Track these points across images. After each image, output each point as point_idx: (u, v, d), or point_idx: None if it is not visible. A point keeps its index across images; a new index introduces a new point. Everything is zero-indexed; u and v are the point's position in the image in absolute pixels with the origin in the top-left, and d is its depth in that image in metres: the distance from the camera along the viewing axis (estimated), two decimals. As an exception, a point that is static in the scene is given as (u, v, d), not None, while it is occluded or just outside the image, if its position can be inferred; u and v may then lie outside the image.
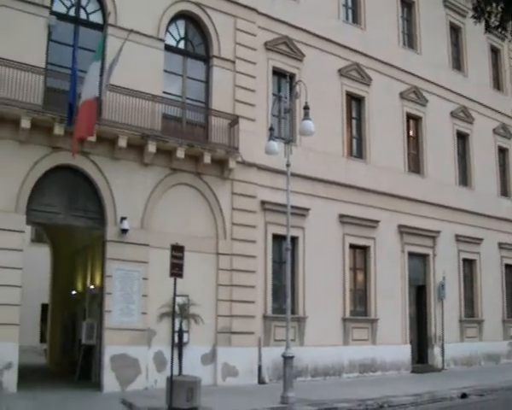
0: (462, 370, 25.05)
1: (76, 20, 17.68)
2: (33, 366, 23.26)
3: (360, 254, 23.25)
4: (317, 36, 22.71)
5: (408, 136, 25.83)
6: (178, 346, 14.99)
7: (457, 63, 28.95)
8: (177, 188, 18.57)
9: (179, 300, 14.50)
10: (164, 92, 18.55)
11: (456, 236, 26.63)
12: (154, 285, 17.24)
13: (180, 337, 15.35)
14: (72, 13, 17.67)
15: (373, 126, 24.08)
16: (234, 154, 19.01)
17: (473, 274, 27.75)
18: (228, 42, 20.17)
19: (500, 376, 22.29)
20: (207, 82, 19.91)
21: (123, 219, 17.23)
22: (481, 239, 27.78)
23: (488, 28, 12.73)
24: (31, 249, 27.09)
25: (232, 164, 19.06)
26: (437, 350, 25.05)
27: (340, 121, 23.10)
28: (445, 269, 25.58)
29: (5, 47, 15.66)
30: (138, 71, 17.75)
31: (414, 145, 26.24)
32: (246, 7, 20.70)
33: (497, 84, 31.17)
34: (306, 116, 16.20)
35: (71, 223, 17.44)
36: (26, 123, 15.52)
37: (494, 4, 12.13)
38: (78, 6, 17.81)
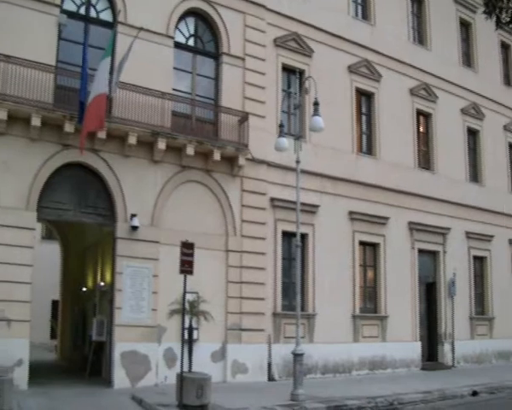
0: (472, 367, 24.96)
1: (86, 19, 17.74)
2: (44, 363, 23.37)
3: (370, 250, 23.20)
4: (327, 32, 22.66)
5: (418, 132, 25.73)
6: (188, 343, 15.03)
7: (467, 59, 28.80)
8: (186, 185, 18.60)
9: (189, 297, 14.55)
10: (174, 89, 18.57)
11: (467, 232, 26.51)
12: (163, 282, 17.30)
13: (190, 334, 15.39)
14: (82, 11, 17.73)
15: (383, 123, 24.00)
16: (243, 151, 19.00)
17: (483, 271, 27.64)
18: (237, 39, 20.16)
19: (511, 374, 22.17)
20: (217, 79, 19.91)
21: (133, 216, 17.29)
22: (492, 236, 27.65)
23: (499, 24, 12.67)
24: (41, 246, 27.32)
25: (242, 161, 19.06)
26: (447, 348, 24.96)
27: (349, 117, 23.04)
28: (455, 266, 25.50)
29: (16, 45, 15.76)
30: (148, 68, 17.78)
31: (424, 142, 26.13)
32: (255, 3, 20.69)
33: (508, 80, 30.99)
34: (316, 112, 16.13)
35: (81, 220, 17.52)
36: (36, 121, 15.59)
37: (505, 0, 12.07)
38: (88, 4, 17.84)
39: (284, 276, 20.26)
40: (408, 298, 23.71)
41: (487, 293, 27.46)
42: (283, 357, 19.07)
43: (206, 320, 15.22)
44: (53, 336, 31.97)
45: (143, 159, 17.81)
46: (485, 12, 12.67)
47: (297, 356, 15.67)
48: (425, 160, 25.87)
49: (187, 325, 14.91)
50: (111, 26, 17.74)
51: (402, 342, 22.96)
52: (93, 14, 17.90)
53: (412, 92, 25.43)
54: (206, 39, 20.07)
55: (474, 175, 27.99)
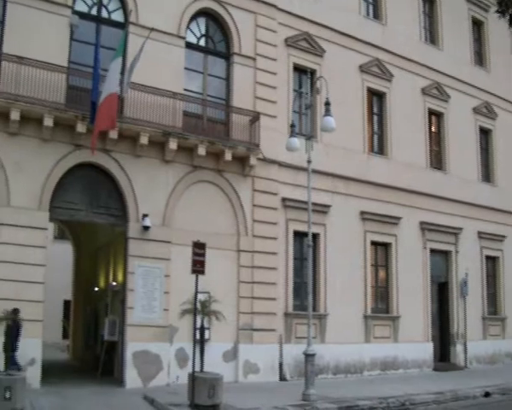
0: (484, 368, 24.80)
1: (98, 19, 17.81)
2: (56, 362, 23.46)
3: (381, 250, 23.14)
4: (338, 32, 22.62)
5: (430, 132, 25.63)
6: (200, 343, 15.02)
7: (480, 58, 28.66)
8: (198, 185, 18.62)
9: (201, 296, 14.54)
10: (185, 89, 18.62)
11: (479, 232, 26.37)
12: (175, 282, 17.33)
13: (202, 334, 15.38)
14: (93, 12, 17.82)
15: (394, 122, 23.93)
16: (255, 151, 19.00)
17: (495, 271, 27.50)
18: (248, 39, 20.17)
19: (524, 374, 22.07)
20: (228, 79, 19.94)
21: (145, 216, 17.34)
22: (504, 236, 27.49)
23: (512, 23, 12.61)
24: (53, 246, 27.42)
25: (253, 161, 19.06)
26: (459, 348, 24.83)
27: (361, 117, 22.99)
28: (467, 266, 25.36)
29: (28, 46, 15.84)
30: (159, 68, 17.83)
31: (436, 141, 26.02)
32: (266, 3, 20.69)
33: (521, 79, 30.79)
34: (327, 112, 16.11)
35: (93, 220, 17.59)
36: (49, 121, 15.68)
37: (519, -1, 12.03)
38: (100, 5, 17.92)
39: (296, 276, 20.25)
40: (420, 298, 23.61)
41: (500, 293, 27.31)
42: (295, 357, 19.06)
43: (217, 320, 15.20)
44: (65, 335, 32.11)
45: (155, 159, 17.86)
46: (497, 11, 12.63)
47: (308, 356, 15.65)
48: (437, 159, 25.76)
49: (199, 324, 14.90)
50: (122, 26, 17.80)
51: (414, 342, 22.87)
52: (105, 14, 17.99)
53: (424, 92, 25.33)
54: (217, 39, 20.10)
55: (487, 175, 27.84)
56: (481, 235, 26.46)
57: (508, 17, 12.35)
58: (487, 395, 17.80)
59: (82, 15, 17.36)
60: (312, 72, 20.92)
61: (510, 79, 29.84)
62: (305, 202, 17.08)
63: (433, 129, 25.99)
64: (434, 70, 25.70)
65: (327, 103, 16.14)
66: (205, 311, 14.96)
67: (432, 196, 24.52)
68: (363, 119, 23.08)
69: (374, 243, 22.73)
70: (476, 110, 27.49)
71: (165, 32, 18.32)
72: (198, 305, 14.43)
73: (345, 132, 21.38)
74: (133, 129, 16.97)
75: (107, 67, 15.62)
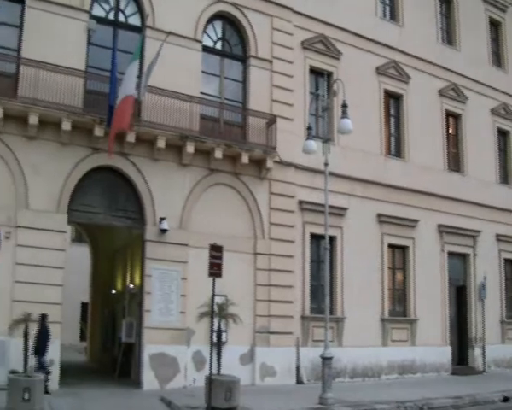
0: (503, 372, 24.53)
1: (115, 23, 17.94)
2: (74, 364, 23.58)
3: (399, 253, 23.02)
4: (354, 33, 22.56)
5: (447, 133, 25.45)
6: (217, 345, 15.04)
7: (497, 59, 28.40)
8: (215, 188, 18.67)
9: (218, 299, 14.56)
10: (201, 93, 18.66)
11: (497, 235, 26.12)
12: (192, 285, 17.38)
13: (219, 337, 15.40)
14: (111, 16, 17.96)
15: (411, 124, 23.81)
16: (271, 153, 19.00)
17: (514, 274, 27.26)
18: (265, 41, 20.19)
19: (543, 378, 21.85)
20: (245, 82, 19.96)
21: (162, 219, 17.40)
22: (523, 239, 27.24)
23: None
24: (71, 249, 27.58)
25: (270, 164, 19.06)
26: (478, 352, 24.62)
27: (377, 119, 22.91)
28: (485, 269, 25.13)
29: (46, 51, 15.99)
30: (176, 72, 17.89)
31: (453, 143, 25.84)
32: (282, 6, 20.69)
33: (539, 80, 30.49)
34: (344, 115, 16.05)
35: (111, 223, 17.70)
36: (67, 125, 15.82)
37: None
38: (117, 9, 18.05)
39: (312, 279, 20.20)
40: (438, 301, 23.45)
41: (519, 296, 27.07)
42: (312, 360, 19.01)
43: (234, 323, 15.24)
44: (82, 337, 32.31)
45: (172, 162, 17.93)
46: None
47: (326, 360, 15.57)
48: (454, 161, 25.58)
49: (216, 327, 14.94)
50: (139, 30, 17.91)
51: (432, 346, 22.70)
52: (122, 19, 18.12)
53: (441, 93, 25.18)
54: (233, 42, 20.14)
55: (505, 177, 27.56)
56: (500, 237, 26.22)
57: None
58: (506, 399, 17.61)
59: (99, 20, 17.53)
60: (329, 74, 20.88)
61: (529, 80, 29.61)
62: (322, 205, 17.03)
63: (450, 131, 25.80)
64: (451, 71, 25.53)
65: (344, 105, 16.07)
66: (222, 314, 14.99)
67: (449, 198, 24.34)
68: (380, 121, 23.00)
69: (391, 246, 22.59)
70: (494, 111, 27.25)
71: (181, 36, 18.40)
72: (215, 308, 14.45)
73: (362, 135, 21.27)
74: (150, 132, 17.06)
75: (124, 71, 15.74)
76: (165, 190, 17.74)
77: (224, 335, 16.38)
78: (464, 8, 26.75)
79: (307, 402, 15.33)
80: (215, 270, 14.06)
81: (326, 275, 16.75)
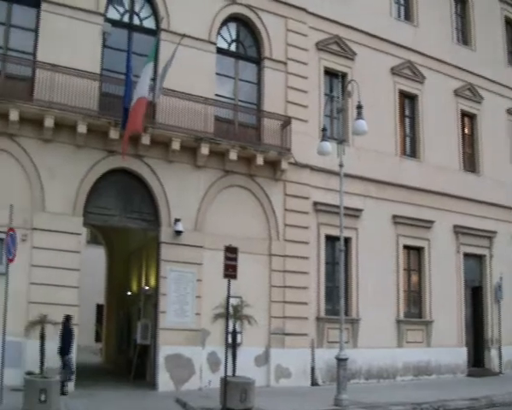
0: (520, 374, 24.42)
1: (130, 26, 18.01)
2: (89, 366, 23.71)
3: (414, 254, 22.92)
4: (369, 34, 22.49)
5: (463, 134, 25.32)
6: (232, 347, 15.07)
7: (513, 59, 28.23)
8: (229, 189, 18.69)
9: (233, 301, 14.59)
10: (216, 95, 18.69)
11: (514, 236, 25.97)
12: (207, 286, 17.41)
13: (234, 338, 15.44)
14: (125, 19, 18.03)
15: (426, 125, 23.71)
16: (286, 155, 18.99)
17: (531, 275, 26.99)
18: (279, 43, 20.18)
19: (561, 380, 21.65)
20: (259, 84, 19.97)
21: (177, 220, 17.44)
22: (540, 239, 26.99)
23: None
24: (86, 251, 27.67)
25: (284, 165, 19.05)
26: (494, 353, 24.44)
27: (392, 120, 22.83)
28: (501, 270, 24.94)
29: (62, 54, 16.09)
30: (191, 74, 17.93)
31: (469, 143, 25.69)
32: (296, 7, 20.67)
33: (555, 79, 30.23)
34: (359, 115, 16.01)
35: (126, 225, 17.77)
36: (82, 128, 15.92)
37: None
38: (132, 12, 18.13)
39: (327, 280, 20.16)
40: (453, 303, 23.32)
41: (535, 297, 26.81)
42: (327, 362, 18.98)
43: (249, 324, 15.29)
44: (97, 339, 32.44)
45: (187, 164, 17.97)
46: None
47: (341, 361, 15.52)
48: (470, 162, 25.43)
49: (231, 329, 14.98)
50: (154, 33, 17.96)
51: (447, 347, 22.58)
52: (136, 21, 18.18)
53: (456, 93, 25.04)
54: (247, 44, 20.15)
55: (522, 177, 27.35)
56: (516, 238, 26.04)
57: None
58: (523, 401, 17.50)
59: (114, 23, 17.59)
60: (343, 75, 20.85)
61: (545, 79, 29.35)
62: (337, 206, 16.99)
63: (465, 131, 25.66)
64: (467, 71, 25.38)
65: (359, 106, 16.02)
66: (237, 315, 15.04)
67: (465, 198, 24.19)
68: (395, 121, 22.92)
69: (406, 247, 22.50)
70: (510, 111, 27.01)
71: (196, 38, 18.44)
72: (230, 309, 14.48)
73: (377, 136, 21.22)
74: (165, 134, 17.11)
75: (139, 74, 15.80)
76: (180, 191, 17.78)
77: (238, 336, 16.49)
78: (479, 7, 26.59)
79: (322, 404, 15.30)
80: (230, 271, 14.07)
81: (341, 276, 16.69)
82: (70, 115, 15.77)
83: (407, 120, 23.84)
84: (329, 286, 20.16)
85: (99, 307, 31.43)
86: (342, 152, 16.55)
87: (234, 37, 19.96)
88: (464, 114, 25.50)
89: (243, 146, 18.28)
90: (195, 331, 17.40)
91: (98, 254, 29.89)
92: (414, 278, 22.86)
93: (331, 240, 20.13)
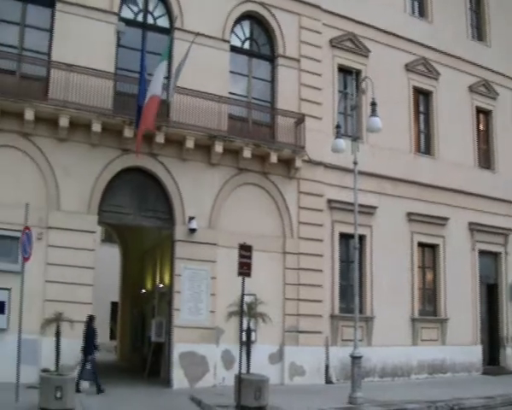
0: (536, 372, 24.21)
1: (143, 25, 18.07)
2: (104, 363, 23.74)
3: (429, 252, 22.81)
4: (383, 31, 22.40)
5: (478, 130, 25.15)
6: (246, 344, 15.08)
7: (529, 54, 27.96)
8: (243, 187, 18.70)
9: (247, 299, 14.61)
10: (230, 93, 18.71)
11: (530, 233, 25.76)
12: (221, 284, 17.44)
13: (248, 336, 15.45)
14: (139, 18, 18.09)
15: (441, 121, 23.57)
16: (300, 153, 18.97)
17: (547, 273, 26.78)
18: (293, 40, 20.15)
19: None
20: (273, 81, 19.95)
21: (191, 218, 17.47)
22: (556, 237, 26.77)
23: None
24: (101, 249, 27.84)
25: (298, 163, 19.02)
26: (509, 351, 24.26)
27: (407, 117, 22.73)
28: (517, 267, 24.82)
29: (76, 54, 16.19)
30: (204, 72, 17.96)
31: (484, 140, 25.52)
32: (310, 4, 20.63)
33: None
34: (374, 112, 15.94)
35: (140, 223, 17.84)
36: (97, 127, 16.00)
37: None
38: (146, 11, 18.18)
39: (342, 278, 20.14)
40: (468, 300, 23.19)
41: (552, 295, 26.60)
42: (341, 360, 18.95)
43: (263, 322, 15.30)
44: (112, 337, 32.59)
45: (201, 162, 18.01)
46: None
47: (355, 359, 15.51)
48: (485, 158, 25.25)
49: (245, 326, 14.99)
50: (168, 32, 18.00)
51: (462, 345, 22.45)
52: (150, 20, 18.23)
53: (471, 89, 24.87)
54: (261, 42, 20.13)
55: (537, 174, 27.13)
56: (532, 235, 25.83)
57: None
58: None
59: (128, 22, 17.65)
60: (357, 72, 20.72)
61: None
62: (351, 204, 16.95)
63: (480, 127, 25.49)
64: (482, 67, 25.19)
65: (373, 104, 15.95)
66: (251, 313, 15.07)
67: (480, 195, 24.01)
68: (410, 118, 22.82)
69: (421, 245, 22.40)
70: (526, 107, 26.85)
71: (209, 37, 18.45)
72: (244, 307, 14.49)
73: (391, 133, 21.12)
74: (179, 133, 17.15)
75: (153, 73, 15.85)
76: (194, 189, 17.82)
77: (253, 334, 16.47)
78: (494, 2, 26.39)
79: (337, 402, 15.29)
80: (244, 269, 14.07)
81: (355, 274, 16.67)
82: (85, 114, 15.85)
83: (421, 117, 23.73)
84: (343, 284, 20.13)
85: (113, 305, 31.57)
86: (356, 149, 16.50)
87: (247, 35, 19.95)
88: (479, 111, 25.32)
89: (257, 144, 18.29)
90: (210, 329, 17.43)
91: (113, 253, 30.04)
92: (428, 275, 22.76)
93: (345, 238, 20.09)
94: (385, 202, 21.34)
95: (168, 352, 18.04)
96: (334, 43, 21.09)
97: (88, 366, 15.21)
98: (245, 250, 14.18)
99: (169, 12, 18.33)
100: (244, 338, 15.04)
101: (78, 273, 15.74)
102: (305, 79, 20.12)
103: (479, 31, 26.18)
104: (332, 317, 19.63)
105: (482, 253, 24.13)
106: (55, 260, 15.56)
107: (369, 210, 20.64)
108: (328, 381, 19.16)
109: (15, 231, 14.49)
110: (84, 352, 15.15)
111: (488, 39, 26.02)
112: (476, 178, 24.20)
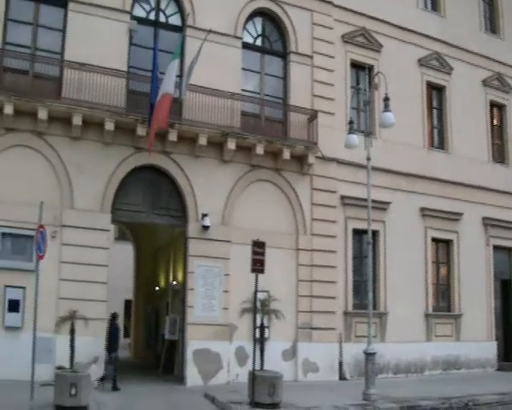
0: (552, 368, 24.03)
1: (156, 24, 18.10)
2: (118, 360, 23.92)
3: (443, 247, 22.70)
4: (396, 26, 22.28)
5: (492, 124, 24.96)
6: (260, 341, 15.09)
7: (544, 47, 27.69)
8: (256, 184, 18.71)
9: (260, 295, 14.61)
10: (242, 90, 18.72)
11: (545, 228, 25.54)
12: (235, 281, 17.46)
13: (261, 333, 15.45)
14: (151, 16, 18.13)
15: (454, 116, 23.42)
16: (313, 149, 18.93)
17: (562, 267, 26.56)
18: (305, 37, 20.11)
19: None
20: (285, 78, 19.92)
21: (204, 215, 17.51)
22: None
23: None
24: (114, 247, 27.93)
25: (311, 159, 18.99)
26: (525, 347, 24.16)
27: (420, 112, 22.62)
28: (532, 263, 24.63)
29: (89, 53, 16.25)
30: (217, 69, 17.97)
31: (498, 134, 25.33)
32: (322, 0, 20.56)
33: None
34: (386, 108, 15.84)
35: (154, 221, 17.90)
36: (110, 125, 16.07)
37: None
38: (158, 9, 18.22)
39: (355, 274, 20.08)
40: (483, 296, 23.05)
41: None
42: (354, 356, 18.92)
43: (277, 319, 15.29)
44: (126, 334, 32.73)
45: (213, 159, 18.03)
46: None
47: (369, 355, 15.47)
48: (499, 153, 25.08)
49: (258, 323, 15.00)
50: (180, 30, 18.03)
51: (477, 341, 22.33)
52: (162, 19, 18.26)
53: (485, 83, 24.69)
54: (273, 39, 20.11)
55: (552, 168, 26.89)
56: (547, 230, 25.61)
57: None
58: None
59: (140, 20, 17.73)
60: (370, 67, 20.64)
61: None
62: (365, 200, 16.90)
63: (494, 122, 25.30)
64: (496, 61, 24.98)
65: (386, 99, 15.84)
66: (264, 310, 15.05)
67: (494, 190, 23.84)
68: (423, 113, 22.70)
69: (435, 240, 22.29)
70: (540, 101, 26.61)
71: (221, 34, 18.46)
72: (258, 304, 14.51)
73: (404, 128, 21.01)
74: (192, 130, 17.18)
75: (165, 71, 15.88)
76: (207, 186, 17.85)
77: (266, 330, 16.45)
78: (508, -5, 26.18)
79: (350, 398, 15.25)
80: (258, 266, 14.11)
81: (369, 270, 16.59)
82: (98, 113, 15.92)
83: (435, 112, 23.59)
84: (357, 280, 20.07)
85: (127, 303, 31.71)
86: (369, 145, 16.41)
87: (259, 31, 19.93)
88: (493, 105, 25.13)
89: (270, 140, 18.27)
90: (223, 326, 17.47)
91: (126, 251, 30.15)
92: (442, 271, 22.66)
93: (358, 234, 20.04)
94: (398, 198, 21.25)
95: (182, 349, 18.11)
96: (347, 39, 21.02)
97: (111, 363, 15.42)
98: (258, 247, 14.21)
99: (181, 10, 18.36)
100: (257, 335, 15.05)
101: (92, 271, 15.85)
102: (317, 75, 20.07)
103: (492, 24, 25.96)
104: (345, 313, 19.60)
105: (496, 248, 23.97)
106: (69, 259, 15.67)
107: (382, 206, 20.56)
108: (342, 377, 19.14)
109: (30, 229, 14.61)
110: (108, 349, 15.28)
111: (502, 32, 25.80)
112: (490, 172, 24.04)
